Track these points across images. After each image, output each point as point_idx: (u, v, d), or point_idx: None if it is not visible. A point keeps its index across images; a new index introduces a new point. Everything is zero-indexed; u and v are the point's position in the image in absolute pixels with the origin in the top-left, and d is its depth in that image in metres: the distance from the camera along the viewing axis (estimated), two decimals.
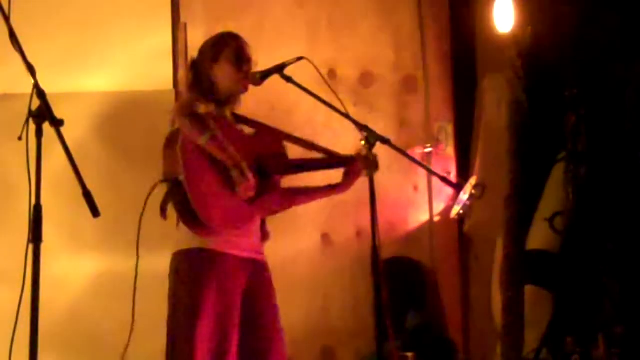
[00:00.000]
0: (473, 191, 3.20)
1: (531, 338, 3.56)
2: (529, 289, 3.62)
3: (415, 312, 4.22)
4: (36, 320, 2.12)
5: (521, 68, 3.65)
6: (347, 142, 3.71)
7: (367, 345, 3.93)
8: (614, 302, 3.42)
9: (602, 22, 3.53)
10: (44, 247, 2.16)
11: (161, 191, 2.90)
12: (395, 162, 4.09)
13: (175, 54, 4.28)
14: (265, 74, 3.03)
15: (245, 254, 2.97)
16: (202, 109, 2.95)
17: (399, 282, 4.23)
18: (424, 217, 4.51)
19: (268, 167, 3.02)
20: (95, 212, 2.11)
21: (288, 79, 2.99)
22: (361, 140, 2.92)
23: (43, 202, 2.17)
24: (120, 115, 4.16)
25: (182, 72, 4.21)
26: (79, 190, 2.12)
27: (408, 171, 4.44)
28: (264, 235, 3.10)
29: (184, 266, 2.94)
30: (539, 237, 3.72)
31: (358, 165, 3.15)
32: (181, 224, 2.92)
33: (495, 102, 4.13)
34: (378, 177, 2.83)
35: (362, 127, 2.89)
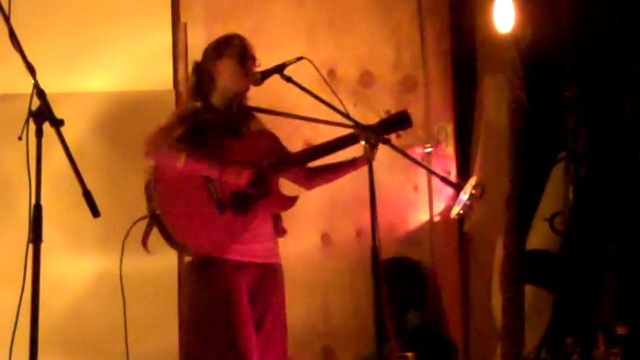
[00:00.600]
0: (473, 191, 3.20)
1: (531, 338, 3.56)
2: (529, 289, 3.63)
3: (415, 312, 4.22)
4: (36, 320, 2.12)
5: (521, 68, 3.65)
6: None
7: (367, 345, 3.93)
8: (614, 302, 3.41)
9: (602, 22, 3.53)
10: (44, 247, 2.16)
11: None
12: (395, 162, 4.09)
13: (175, 54, 4.28)
14: (265, 74, 3.02)
15: (249, 259, 2.97)
16: (177, 132, 2.95)
17: (399, 282, 4.23)
18: (424, 217, 4.51)
19: (265, 170, 3.01)
20: (95, 212, 2.11)
21: (288, 79, 2.99)
22: (361, 140, 2.92)
23: (43, 202, 2.17)
24: (120, 115, 4.16)
25: (182, 72, 4.21)
26: (79, 190, 2.12)
27: (408, 171, 4.44)
28: (279, 232, 3.10)
29: (192, 276, 2.98)
30: (539, 237, 3.71)
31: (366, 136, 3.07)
32: None
33: (495, 102, 4.13)
34: (378, 177, 2.82)
35: (362, 127, 2.89)
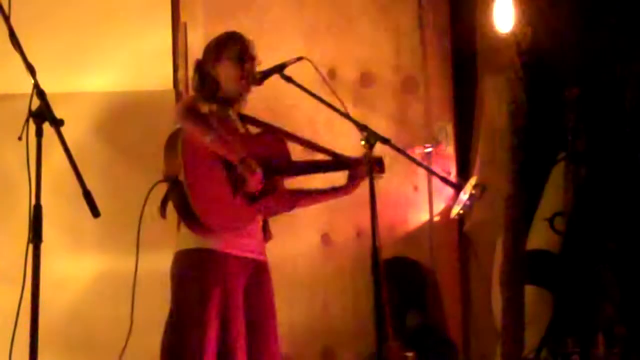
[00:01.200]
0: (473, 191, 3.20)
1: (531, 338, 3.56)
2: (529, 289, 3.62)
3: (415, 312, 4.22)
4: (36, 320, 2.12)
5: (521, 68, 3.65)
6: (347, 142, 3.70)
7: (367, 345, 3.93)
8: (614, 302, 3.41)
9: (602, 22, 3.53)
10: (44, 247, 2.16)
11: (160, 190, 2.90)
12: (395, 162, 4.09)
13: (175, 54, 4.28)
14: (265, 74, 3.03)
15: (245, 254, 2.97)
16: (204, 108, 2.95)
17: (399, 282, 4.23)
18: (424, 217, 4.51)
19: (271, 168, 3.02)
20: (95, 212, 2.11)
21: (288, 79, 2.99)
22: (361, 140, 2.92)
23: (43, 202, 2.17)
24: (120, 115, 4.16)
25: (182, 72, 4.21)
26: (79, 190, 2.12)
27: (408, 171, 4.44)
28: (266, 236, 3.10)
29: (185, 266, 2.95)
30: (539, 237, 3.71)
31: (363, 168, 3.14)
32: (182, 225, 2.92)
33: (495, 102, 4.13)
34: (382, 175, 2.83)
35: (362, 127, 2.89)
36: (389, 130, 4.29)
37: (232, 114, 3.09)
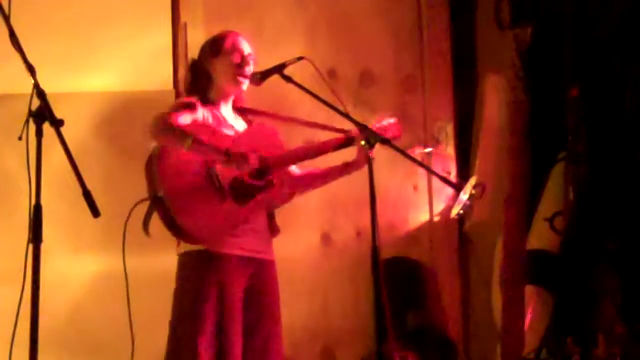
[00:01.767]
0: (473, 191, 3.19)
1: (531, 338, 3.56)
2: (529, 289, 3.62)
3: (415, 312, 4.22)
4: (36, 320, 2.12)
5: (521, 68, 3.65)
6: None
7: (367, 345, 3.93)
8: (614, 302, 3.41)
9: (603, 22, 3.53)
10: (44, 247, 2.16)
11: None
12: (395, 162, 4.09)
13: (175, 54, 4.28)
14: (265, 74, 3.03)
15: (245, 254, 2.97)
16: (175, 116, 2.94)
17: (399, 282, 4.23)
18: (424, 217, 4.51)
19: (263, 162, 3.01)
20: (95, 212, 2.11)
21: (288, 79, 2.99)
22: (361, 140, 2.92)
23: (43, 202, 2.18)
24: (120, 115, 4.16)
25: (182, 72, 4.21)
26: (79, 190, 2.12)
27: (408, 171, 4.44)
28: (273, 231, 3.09)
29: (185, 269, 2.96)
30: (539, 237, 3.71)
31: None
32: None
33: (495, 102, 4.13)
34: (378, 177, 2.83)
35: (362, 127, 2.89)
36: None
37: (222, 113, 3.08)
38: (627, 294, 3.40)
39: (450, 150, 4.52)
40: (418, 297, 4.34)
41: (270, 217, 3.09)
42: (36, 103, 2.21)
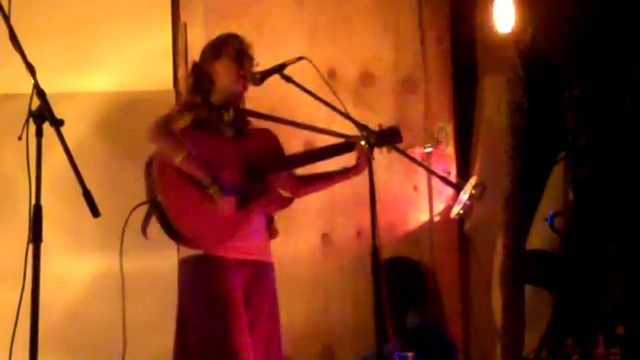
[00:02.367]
0: (473, 191, 3.20)
1: (531, 338, 3.56)
2: (529, 289, 3.62)
3: (415, 312, 4.22)
4: (36, 320, 2.12)
5: (521, 68, 3.65)
6: None
7: (367, 345, 3.93)
8: (614, 302, 3.41)
9: (603, 22, 3.53)
10: (44, 247, 2.16)
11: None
12: (395, 162, 4.09)
13: (175, 54, 4.28)
14: (266, 74, 3.03)
15: (243, 257, 2.97)
16: (180, 123, 2.95)
17: (399, 282, 4.23)
18: (424, 217, 4.51)
19: (260, 168, 3.01)
20: (95, 212, 2.11)
21: (288, 79, 2.99)
22: (361, 140, 2.92)
23: (43, 202, 2.18)
24: (120, 115, 4.16)
25: (182, 72, 4.21)
26: (79, 190, 2.12)
27: (408, 171, 4.44)
28: (272, 233, 3.09)
29: (186, 274, 2.97)
30: (539, 237, 3.71)
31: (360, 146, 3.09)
32: None
33: (495, 102, 4.13)
34: (378, 177, 2.83)
35: (362, 127, 2.89)
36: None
37: (225, 117, 3.08)
38: (627, 294, 3.40)
39: (450, 150, 4.52)
40: (418, 297, 4.34)
41: (269, 221, 3.09)
42: (36, 103, 2.21)
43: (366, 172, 2.82)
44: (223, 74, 3.06)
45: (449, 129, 4.54)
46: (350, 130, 3.06)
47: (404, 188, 4.49)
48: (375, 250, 2.70)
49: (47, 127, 2.19)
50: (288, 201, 3.11)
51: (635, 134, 3.45)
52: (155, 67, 4.24)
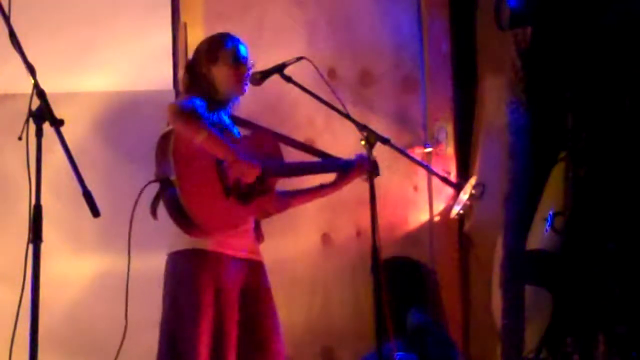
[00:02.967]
0: (473, 191, 3.20)
1: (531, 338, 3.56)
2: (529, 289, 3.62)
3: (416, 311, 4.22)
4: (36, 320, 2.12)
5: (521, 68, 3.65)
6: (347, 142, 3.71)
7: (367, 345, 3.93)
8: (614, 302, 3.41)
9: (603, 22, 3.53)
10: (44, 247, 2.16)
11: (152, 189, 2.90)
12: (395, 162, 4.09)
13: (175, 54, 4.28)
14: (265, 74, 3.03)
15: (240, 254, 2.97)
16: (196, 105, 2.94)
17: (399, 282, 4.23)
18: (424, 217, 4.51)
19: (265, 169, 3.01)
20: (95, 212, 2.11)
21: (288, 79, 3.00)
22: (361, 140, 2.92)
23: (43, 202, 2.18)
24: (120, 115, 4.16)
25: (182, 72, 4.20)
26: (79, 190, 2.12)
27: (408, 171, 4.44)
28: (258, 237, 3.09)
29: (179, 268, 2.94)
30: (539, 237, 3.71)
31: (355, 170, 3.14)
32: (173, 226, 2.90)
33: (495, 102, 4.13)
34: (378, 177, 2.83)
35: (362, 127, 2.90)
36: (389, 130, 4.29)
37: (222, 117, 3.08)
38: (627, 294, 3.40)
39: (450, 150, 4.52)
40: (418, 297, 4.34)
41: (257, 224, 3.09)
42: (36, 103, 2.21)
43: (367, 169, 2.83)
44: (220, 79, 3.04)
45: (449, 129, 4.54)
46: (351, 130, 3.06)
47: (404, 188, 4.49)
48: (375, 250, 2.70)
49: (47, 127, 2.19)
50: (285, 205, 3.12)
51: (635, 134, 3.45)
52: (155, 67, 4.24)
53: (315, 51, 4.29)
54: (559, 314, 3.52)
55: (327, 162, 3.21)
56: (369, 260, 2.71)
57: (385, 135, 2.99)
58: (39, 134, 2.20)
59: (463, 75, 4.56)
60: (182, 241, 2.91)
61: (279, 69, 3.01)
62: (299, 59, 3.00)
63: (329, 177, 3.25)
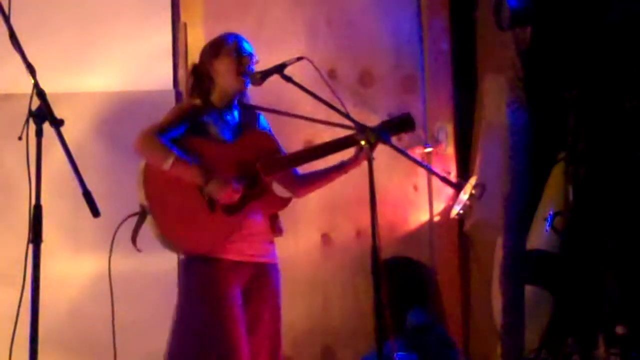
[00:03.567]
0: (473, 191, 3.20)
1: (531, 338, 3.56)
2: (529, 289, 3.62)
3: (416, 311, 4.22)
4: (36, 320, 2.12)
5: (521, 68, 3.65)
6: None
7: (367, 345, 3.93)
8: (614, 302, 3.41)
9: (603, 22, 3.53)
10: (44, 247, 2.16)
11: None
12: (395, 162, 4.09)
13: (175, 54, 4.28)
14: (265, 74, 3.03)
15: (242, 258, 2.96)
16: (177, 125, 2.93)
17: (399, 282, 4.23)
18: (424, 217, 4.51)
19: (257, 171, 3.00)
20: (95, 212, 2.12)
21: (288, 79, 2.99)
22: (361, 140, 2.92)
23: (43, 202, 2.18)
24: (120, 115, 4.16)
25: (182, 72, 4.21)
26: (79, 190, 2.12)
27: (408, 171, 4.44)
28: (276, 231, 3.08)
29: (185, 275, 2.97)
30: (539, 237, 3.71)
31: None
32: None
33: (495, 102, 4.13)
34: (378, 177, 2.83)
35: (361, 128, 2.89)
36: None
37: (224, 115, 3.07)
38: (627, 294, 3.40)
39: (450, 150, 4.52)
40: (418, 296, 4.34)
41: (273, 219, 3.08)
42: (36, 103, 2.21)
43: (366, 171, 2.81)
44: (223, 72, 3.05)
45: (449, 129, 4.54)
46: (351, 130, 3.06)
47: (404, 188, 4.50)
48: (375, 250, 2.70)
49: (47, 127, 2.19)
50: (285, 202, 3.10)
51: (635, 134, 3.45)
52: (155, 67, 4.24)
53: (315, 51, 4.29)
54: (559, 314, 3.52)
55: (334, 143, 3.15)
56: (369, 260, 2.71)
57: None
58: (39, 134, 2.20)
59: (463, 75, 4.56)
60: None
61: (279, 69, 3.00)
62: (299, 59, 3.00)
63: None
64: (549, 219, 3.58)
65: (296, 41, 4.42)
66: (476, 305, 4.41)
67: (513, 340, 3.58)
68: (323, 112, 3.01)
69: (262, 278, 3.02)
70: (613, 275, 3.44)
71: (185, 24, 4.29)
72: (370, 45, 4.56)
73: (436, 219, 4.49)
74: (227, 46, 3.06)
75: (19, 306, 2.22)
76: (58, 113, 2.19)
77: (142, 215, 2.86)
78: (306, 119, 3.22)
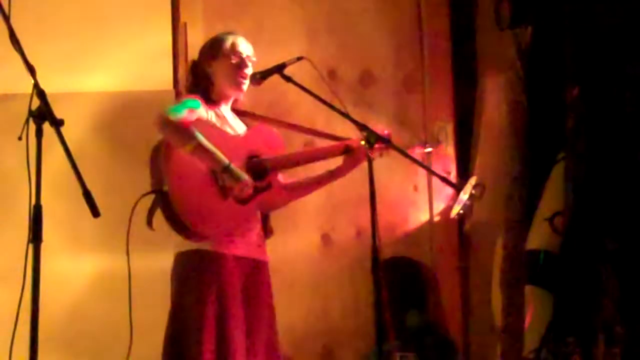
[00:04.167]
0: (473, 191, 3.20)
1: (531, 338, 3.56)
2: (529, 289, 3.62)
3: (415, 312, 4.22)
4: (36, 320, 2.12)
5: (521, 68, 3.65)
6: None
7: (367, 345, 3.93)
8: (614, 301, 3.41)
9: (603, 22, 3.53)
10: (44, 247, 2.16)
11: (150, 197, 2.90)
12: (395, 162, 4.09)
13: (175, 54, 4.29)
14: (265, 74, 3.03)
15: (242, 254, 2.97)
16: (185, 113, 2.93)
17: (399, 282, 4.23)
18: (424, 217, 4.51)
19: (263, 165, 3.01)
20: (95, 212, 2.11)
21: (288, 79, 3.00)
22: (361, 140, 2.92)
23: (43, 202, 2.18)
24: (120, 115, 4.16)
25: (182, 72, 4.21)
26: (79, 190, 2.12)
27: (408, 171, 4.44)
28: (267, 232, 3.09)
29: (183, 268, 2.96)
30: (539, 237, 3.71)
31: (360, 152, 3.11)
32: None
33: (495, 102, 4.13)
34: (378, 177, 2.83)
35: (362, 127, 2.90)
36: (389, 130, 4.29)
37: (224, 113, 3.08)
38: (627, 294, 3.40)
39: (450, 150, 4.52)
40: (418, 297, 4.34)
41: (265, 219, 3.09)
42: (36, 103, 2.21)
43: (366, 171, 2.82)
44: (221, 73, 3.06)
45: (449, 129, 4.54)
46: (351, 130, 3.06)
47: (404, 188, 4.50)
48: (375, 250, 2.70)
49: (47, 127, 2.19)
50: (286, 199, 3.12)
51: (635, 134, 3.44)
52: (155, 67, 4.24)
53: (315, 51, 4.29)
54: (559, 314, 3.51)
55: (331, 148, 3.18)
56: (369, 260, 2.71)
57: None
58: (39, 134, 2.20)
59: (463, 75, 4.56)
60: (185, 242, 2.92)
61: (279, 69, 3.01)
62: (299, 59, 3.01)
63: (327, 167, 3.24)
64: (549, 219, 3.58)
65: (296, 41, 4.43)
66: (476, 306, 4.41)
67: (513, 340, 3.58)
68: (323, 112, 3.01)
69: (258, 276, 3.02)
70: (613, 275, 3.44)
71: (185, 24, 4.30)
72: (370, 45, 4.56)
73: (436, 219, 4.49)
74: (225, 48, 3.06)
75: (19, 306, 2.22)
76: (58, 113, 2.19)
77: (159, 196, 2.85)
78: (299, 129, 3.23)
